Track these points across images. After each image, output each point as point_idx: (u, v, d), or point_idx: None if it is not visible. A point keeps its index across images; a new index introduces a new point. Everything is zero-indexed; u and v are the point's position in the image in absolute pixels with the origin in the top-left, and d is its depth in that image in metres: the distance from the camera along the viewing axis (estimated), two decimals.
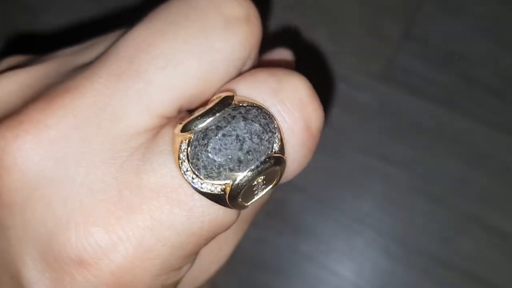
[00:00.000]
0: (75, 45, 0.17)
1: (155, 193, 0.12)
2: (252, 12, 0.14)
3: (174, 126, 0.13)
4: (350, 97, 0.30)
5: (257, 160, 0.12)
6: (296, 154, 0.14)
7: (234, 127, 0.12)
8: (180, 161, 0.12)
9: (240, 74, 0.14)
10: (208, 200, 0.13)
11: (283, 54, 0.19)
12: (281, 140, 0.13)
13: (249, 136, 0.12)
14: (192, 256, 0.14)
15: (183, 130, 0.12)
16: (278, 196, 0.30)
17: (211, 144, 0.12)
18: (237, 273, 0.30)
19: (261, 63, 0.18)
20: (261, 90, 0.13)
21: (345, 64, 0.30)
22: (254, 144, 0.12)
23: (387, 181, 0.29)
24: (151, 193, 0.12)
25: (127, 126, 0.13)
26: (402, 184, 0.29)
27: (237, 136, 0.12)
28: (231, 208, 0.13)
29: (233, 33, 0.14)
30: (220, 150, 0.12)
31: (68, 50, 0.16)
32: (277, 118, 0.13)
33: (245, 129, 0.12)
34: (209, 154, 0.12)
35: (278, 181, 0.14)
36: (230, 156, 0.12)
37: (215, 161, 0.12)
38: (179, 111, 0.14)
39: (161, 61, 0.13)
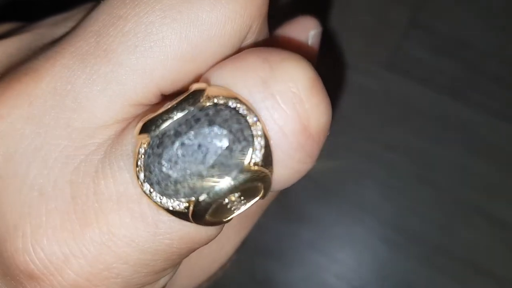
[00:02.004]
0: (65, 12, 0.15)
1: (114, 203, 0.11)
2: None
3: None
4: (356, 84, 0.30)
5: (226, 175, 0.10)
6: (290, 160, 0.11)
7: (196, 133, 0.10)
8: (138, 168, 0.10)
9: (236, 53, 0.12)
10: None
11: (307, 24, 0.16)
12: (266, 147, 0.10)
13: (215, 146, 0.10)
14: (168, 270, 0.12)
15: (142, 131, 0.10)
16: None
17: (166, 155, 0.10)
18: (238, 259, 0.30)
19: (273, 41, 0.15)
20: (247, 80, 0.11)
21: (352, 51, 0.30)
22: (220, 157, 0.10)
23: (390, 169, 0.29)
24: (110, 203, 0.11)
25: (91, 117, 0.11)
26: (405, 172, 0.29)
27: (199, 145, 0.10)
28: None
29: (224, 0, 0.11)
30: (176, 162, 0.10)
31: (51, 20, 0.15)
32: (265, 117, 0.10)
33: (209, 136, 0.10)
34: (163, 168, 0.10)
35: (265, 194, 0.11)
36: (189, 171, 0.10)
37: (170, 176, 0.10)
38: (163, 96, 0.12)
39: (132, 38, 0.11)
